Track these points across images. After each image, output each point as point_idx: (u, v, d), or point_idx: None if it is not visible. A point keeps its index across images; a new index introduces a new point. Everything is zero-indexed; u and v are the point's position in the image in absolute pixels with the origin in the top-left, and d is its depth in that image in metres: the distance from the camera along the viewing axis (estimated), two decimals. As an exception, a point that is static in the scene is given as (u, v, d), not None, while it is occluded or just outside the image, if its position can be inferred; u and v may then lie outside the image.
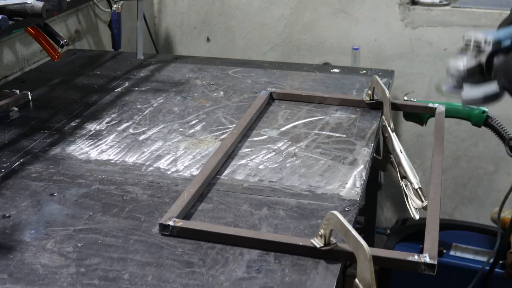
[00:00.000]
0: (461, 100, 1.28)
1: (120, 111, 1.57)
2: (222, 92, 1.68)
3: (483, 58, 1.24)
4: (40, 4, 1.24)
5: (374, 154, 1.41)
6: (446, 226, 2.22)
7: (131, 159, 1.33)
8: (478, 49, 1.24)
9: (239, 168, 1.28)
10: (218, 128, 1.46)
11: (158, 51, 2.59)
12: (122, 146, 1.38)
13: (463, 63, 1.25)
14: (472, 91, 1.26)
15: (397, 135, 1.49)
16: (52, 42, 1.68)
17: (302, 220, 1.08)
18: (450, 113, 1.77)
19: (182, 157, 1.33)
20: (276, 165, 1.29)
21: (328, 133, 1.43)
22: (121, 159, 1.32)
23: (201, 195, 1.17)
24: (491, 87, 1.24)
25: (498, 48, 1.24)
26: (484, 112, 1.81)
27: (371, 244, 1.96)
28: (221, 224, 1.08)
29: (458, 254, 2.11)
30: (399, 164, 1.38)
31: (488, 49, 1.23)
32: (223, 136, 1.42)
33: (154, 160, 1.32)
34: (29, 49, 1.89)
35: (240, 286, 0.92)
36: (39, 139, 1.41)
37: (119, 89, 1.71)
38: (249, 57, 2.58)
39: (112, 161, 1.32)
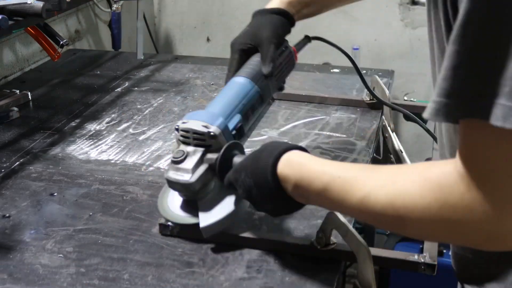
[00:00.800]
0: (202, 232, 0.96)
1: (120, 111, 1.57)
2: (222, 92, 1.68)
3: (210, 157, 0.94)
4: (40, 4, 1.24)
5: (374, 154, 1.40)
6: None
7: (131, 159, 1.32)
8: (201, 144, 0.94)
9: (239, 168, 1.28)
10: (218, 128, 1.46)
11: (158, 51, 2.59)
12: (122, 146, 1.38)
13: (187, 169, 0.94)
14: (210, 215, 0.96)
15: (397, 135, 1.49)
16: (52, 42, 1.68)
17: (302, 220, 1.08)
18: None
19: (182, 157, 1.33)
20: (276, 165, 1.29)
21: (328, 133, 1.43)
22: (121, 159, 1.32)
23: (201, 195, 1.17)
24: (227, 202, 0.96)
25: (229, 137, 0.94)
26: None
27: (371, 244, 1.96)
28: (221, 224, 1.08)
29: (459, 254, 2.11)
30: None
31: (216, 143, 0.94)
32: (223, 136, 1.41)
33: (154, 160, 1.32)
34: (29, 49, 1.89)
35: (240, 286, 0.92)
36: (39, 139, 1.41)
37: (119, 89, 1.71)
38: (249, 57, 2.58)
39: (112, 161, 1.31)
